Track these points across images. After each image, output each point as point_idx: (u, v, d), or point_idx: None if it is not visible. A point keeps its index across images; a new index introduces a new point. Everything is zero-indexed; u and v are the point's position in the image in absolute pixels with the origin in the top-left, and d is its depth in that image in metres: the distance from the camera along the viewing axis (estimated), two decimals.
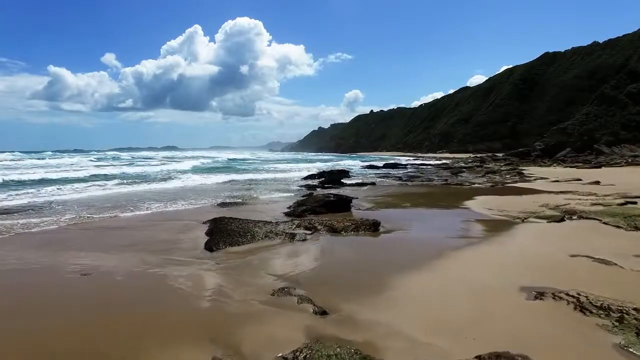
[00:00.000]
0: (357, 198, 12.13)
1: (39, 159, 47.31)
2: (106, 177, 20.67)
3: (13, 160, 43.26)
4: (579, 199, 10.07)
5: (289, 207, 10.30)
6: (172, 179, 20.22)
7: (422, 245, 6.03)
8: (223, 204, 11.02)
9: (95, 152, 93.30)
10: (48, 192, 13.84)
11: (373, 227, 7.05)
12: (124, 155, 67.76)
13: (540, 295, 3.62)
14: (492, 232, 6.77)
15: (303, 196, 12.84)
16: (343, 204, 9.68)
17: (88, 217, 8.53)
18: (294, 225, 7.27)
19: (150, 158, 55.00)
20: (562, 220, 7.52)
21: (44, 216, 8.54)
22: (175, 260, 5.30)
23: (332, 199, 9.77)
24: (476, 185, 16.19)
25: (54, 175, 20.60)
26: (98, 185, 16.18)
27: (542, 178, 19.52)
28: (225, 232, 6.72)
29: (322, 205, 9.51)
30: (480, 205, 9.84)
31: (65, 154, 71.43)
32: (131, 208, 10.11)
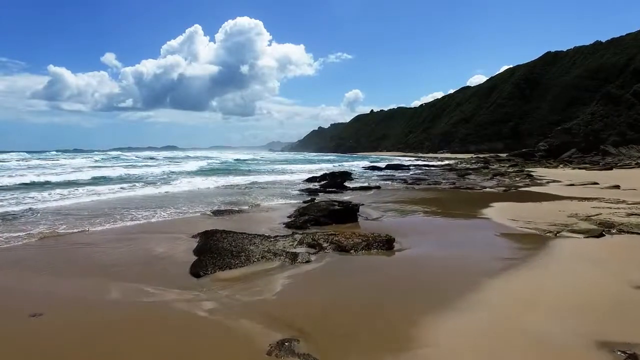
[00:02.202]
0: (362, 204, 11.19)
1: (39, 159, 46.39)
2: (103, 181, 19.59)
3: (13, 160, 42.21)
4: (610, 208, 9.15)
5: (289, 216, 9.37)
6: (172, 182, 19.17)
7: (447, 270, 5.08)
8: (218, 212, 10.09)
9: (99, 153, 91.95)
10: (33, 198, 12.84)
11: (387, 245, 6.11)
12: (128, 155, 66.54)
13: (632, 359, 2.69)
14: (527, 251, 5.82)
15: (305, 202, 11.92)
16: (349, 214, 8.74)
17: (63, 230, 7.56)
18: (296, 242, 6.32)
19: (153, 158, 54.04)
20: (601, 235, 6.58)
21: (13, 229, 7.57)
22: (150, 293, 4.35)
23: (336, 207, 8.83)
24: (487, 189, 15.25)
25: (50, 178, 19.58)
26: (90, 189, 15.11)
27: (554, 181, 18.59)
28: (215, 251, 5.78)
29: (326, 215, 8.57)
30: (501, 214, 8.91)
31: (68, 154, 70.38)
32: (117, 216, 9.19)
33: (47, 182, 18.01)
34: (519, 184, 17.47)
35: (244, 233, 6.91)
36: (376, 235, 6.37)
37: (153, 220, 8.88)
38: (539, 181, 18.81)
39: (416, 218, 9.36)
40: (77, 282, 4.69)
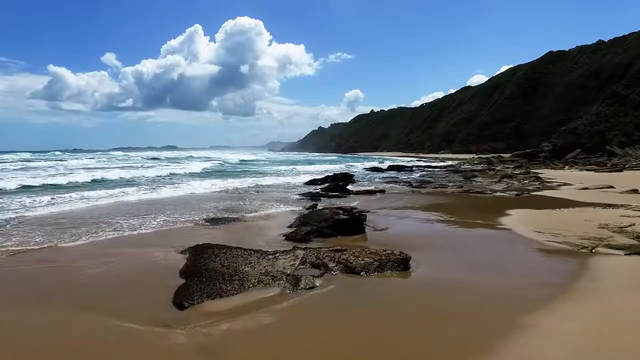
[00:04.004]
0: (368, 211, 10.41)
1: (39, 159, 45.65)
2: (102, 184, 18.80)
3: (13, 161, 41.28)
4: None
5: (289, 226, 8.61)
6: (173, 184, 18.28)
7: (479, 301, 4.26)
8: (213, 220, 9.32)
9: (101, 153, 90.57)
10: (21, 203, 12.04)
11: (402, 265, 5.32)
12: (132, 155, 65.65)
13: None
14: (566, 274, 5.03)
15: (307, 208, 11.16)
16: (355, 224, 7.95)
17: (32, 245, 6.71)
18: (298, 260, 5.54)
19: (156, 159, 53.67)
20: None
21: None
22: (119, 332, 3.57)
23: (342, 217, 8.04)
24: (498, 193, 14.47)
25: (47, 181, 18.71)
26: (84, 194, 14.13)
27: (565, 184, 17.83)
28: (205, 273, 5.00)
29: (330, 226, 7.79)
30: (522, 224, 8.12)
31: (71, 155, 69.43)
32: (104, 225, 8.44)
33: (42, 186, 17.19)
34: (530, 187, 16.71)
35: (239, 248, 6.14)
36: (389, 252, 5.58)
37: (140, 231, 8.08)
38: (549, 184, 18.05)
39: (429, 227, 8.58)
40: (30, 317, 3.89)
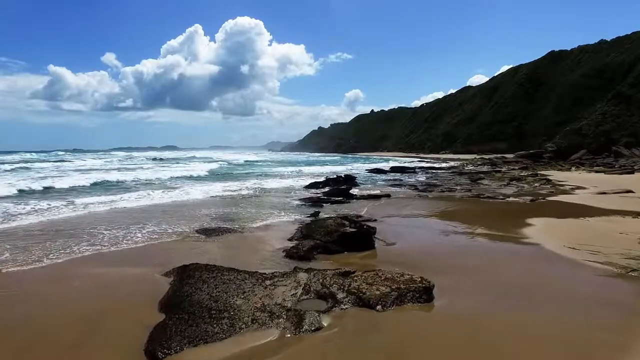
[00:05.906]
0: (375, 220, 9.60)
1: (40, 160, 44.92)
2: (102, 187, 17.99)
3: (14, 162, 40.28)
4: None
5: (290, 238, 7.77)
6: (173, 189, 17.38)
7: (522, 347, 3.40)
8: (207, 232, 8.45)
9: (103, 153, 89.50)
10: (3, 212, 11.14)
11: (425, 295, 4.44)
12: (136, 155, 64.95)
13: None
14: (623, 306, 4.16)
15: (309, 216, 10.31)
16: (364, 239, 7.06)
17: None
18: (300, 289, 4.66)
19: (161, 159, 53.08)
20: None
21: None
22: None
23: (348, 230, 7.17)
24: (511, 199, 13.60)
25: (45, 184, 17.91)
26: (75, 200, 13.08)
27: (579, 187, 16.97)
28: (189, 308, 4.12)
29: (336, 241, 6.90)
30: (549, 237, 7.25)
31: (75, 154, 68.55)
32: (84, 237, 7.69)
33: (38, 190, 16.33)
34: (542, 191, 15.88)
35: (232, 270, 5.27)
36: (408, 279, 4.71)
37: (122, 245, 7.19)
38: (561, 188, 17.20)
39: (445, 241, 7.70)
40: None
